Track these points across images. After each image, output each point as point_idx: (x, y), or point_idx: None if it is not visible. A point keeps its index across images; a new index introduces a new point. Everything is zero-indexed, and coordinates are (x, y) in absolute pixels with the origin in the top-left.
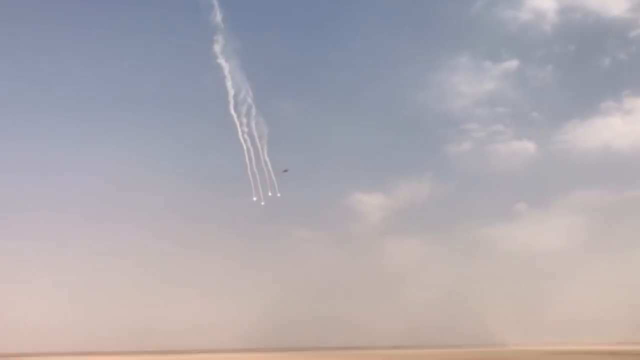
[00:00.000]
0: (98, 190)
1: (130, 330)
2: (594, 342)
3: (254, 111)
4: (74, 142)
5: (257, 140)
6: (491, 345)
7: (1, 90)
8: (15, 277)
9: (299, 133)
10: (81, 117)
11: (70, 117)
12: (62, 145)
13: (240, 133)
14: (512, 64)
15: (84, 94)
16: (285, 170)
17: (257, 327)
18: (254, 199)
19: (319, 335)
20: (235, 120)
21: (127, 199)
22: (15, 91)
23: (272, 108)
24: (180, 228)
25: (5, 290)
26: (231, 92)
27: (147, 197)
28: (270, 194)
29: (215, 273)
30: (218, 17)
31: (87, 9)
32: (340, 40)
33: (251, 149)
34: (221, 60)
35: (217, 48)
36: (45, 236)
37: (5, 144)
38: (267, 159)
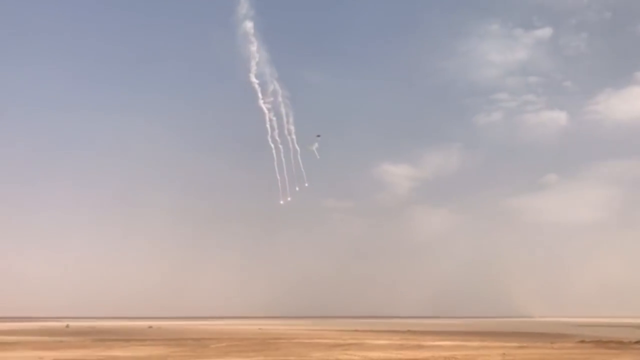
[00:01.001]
0: (127, 162)
1: (161, 297)
2: (620, 314)
3: (276, 79)
4: (105, 115)
5: (280, 108)
6: (517, 316)
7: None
8: (50, 245)
9: (325, 102)
10: (110, 93)
11: (98, 93)
12: (93, 119)
13: (261, 101)
14: (545, 31)
15: (110, 70)
16: (318, 136)
17: (283, 295)
18: (281, 202)
19: (345, 303)
20: (257, 87)
21: (155, 171)
22: (47, 72)
23: (297, 77)
24: (208, 198)
25: (39, 257)
26: (254, 60)
27: (173, 169)
28: (298, 188)
29: (242, 242)
30: None
31: None
32: (367, 8)
33: (274, 119)
34: (244, 27)
35: (240, 13)
36: (79, 206)
37: (40, 117)
38: (292, 128)
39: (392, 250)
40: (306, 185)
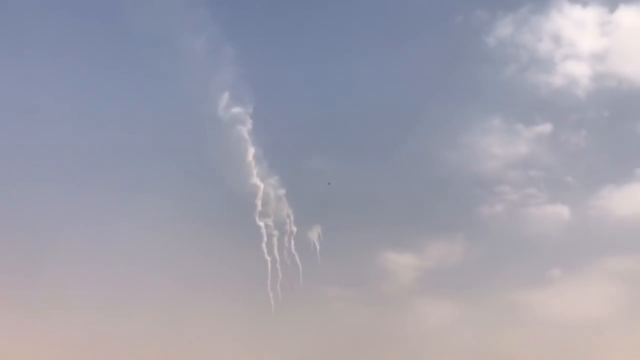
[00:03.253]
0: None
1: None
2: None
3: (273, 163)
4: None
5: (277, 190)
6: None
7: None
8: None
9: (326, 189)
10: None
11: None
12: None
13: (257, 179)
14: (546, 127)
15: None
16: (329, 183)
17: None
18: (272, 308)
19: None
20: (253, 167)
21: (148, 242)
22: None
23: (298, 164)
24: (200, 274)
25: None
26: (250, 150)
27: (165, 242)
28: (294, 287)
29: (238, 328)
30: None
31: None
32: (370, 98)
33: (269, 199)
34: (238, 108)
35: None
36: (60, 277)
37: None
38: (291, 212)
39: (394, 342)
40: (301, 282)
